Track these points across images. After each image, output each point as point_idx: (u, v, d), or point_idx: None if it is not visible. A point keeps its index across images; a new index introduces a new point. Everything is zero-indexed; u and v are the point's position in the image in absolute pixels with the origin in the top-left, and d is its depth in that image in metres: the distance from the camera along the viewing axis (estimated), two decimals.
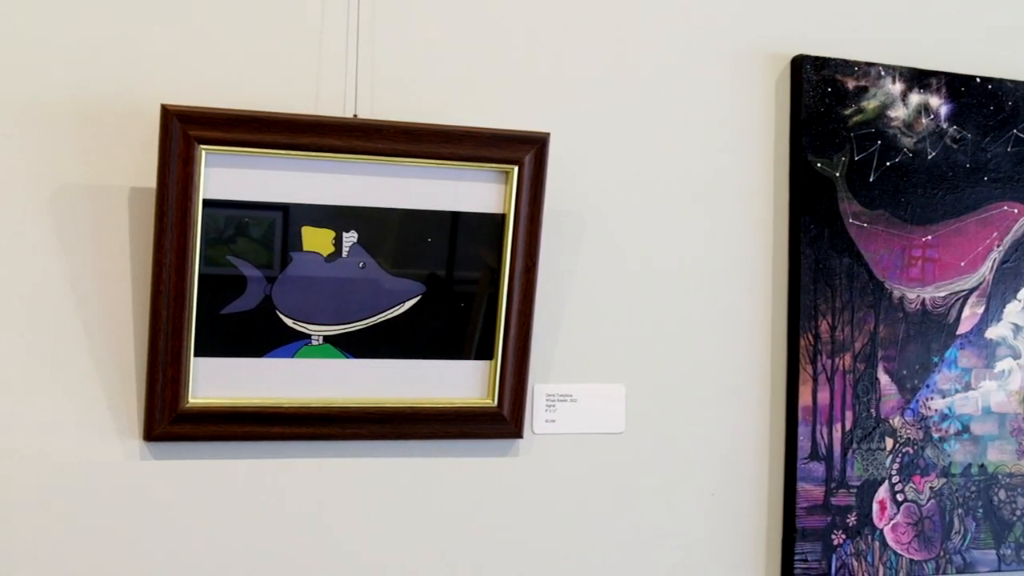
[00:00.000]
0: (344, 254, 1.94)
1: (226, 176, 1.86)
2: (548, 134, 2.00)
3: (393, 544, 2.06)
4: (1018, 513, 2.40)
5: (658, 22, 2.17)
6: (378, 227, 1.95)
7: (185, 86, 1.90)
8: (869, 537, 2.30)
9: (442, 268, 2.00)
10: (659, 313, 2.20)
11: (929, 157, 2.31)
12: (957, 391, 2.36)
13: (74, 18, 1.85)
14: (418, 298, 1.99)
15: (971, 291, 2.36)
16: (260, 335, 1.92)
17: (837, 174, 2.25)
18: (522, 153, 1.98)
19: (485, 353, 2.04)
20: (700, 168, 2.21)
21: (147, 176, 1.86)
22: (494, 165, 1.98)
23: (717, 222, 2.22)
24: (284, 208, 1.90)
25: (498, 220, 2.01)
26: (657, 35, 2.17)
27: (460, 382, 2.03)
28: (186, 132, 1.81)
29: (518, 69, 2.08)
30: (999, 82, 2.36)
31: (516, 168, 1.98)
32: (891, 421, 2.32)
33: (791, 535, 2.26)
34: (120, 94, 1.87)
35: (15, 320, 1.84)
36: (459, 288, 2.01)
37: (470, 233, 2.00)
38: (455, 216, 1.99)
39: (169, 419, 1.88)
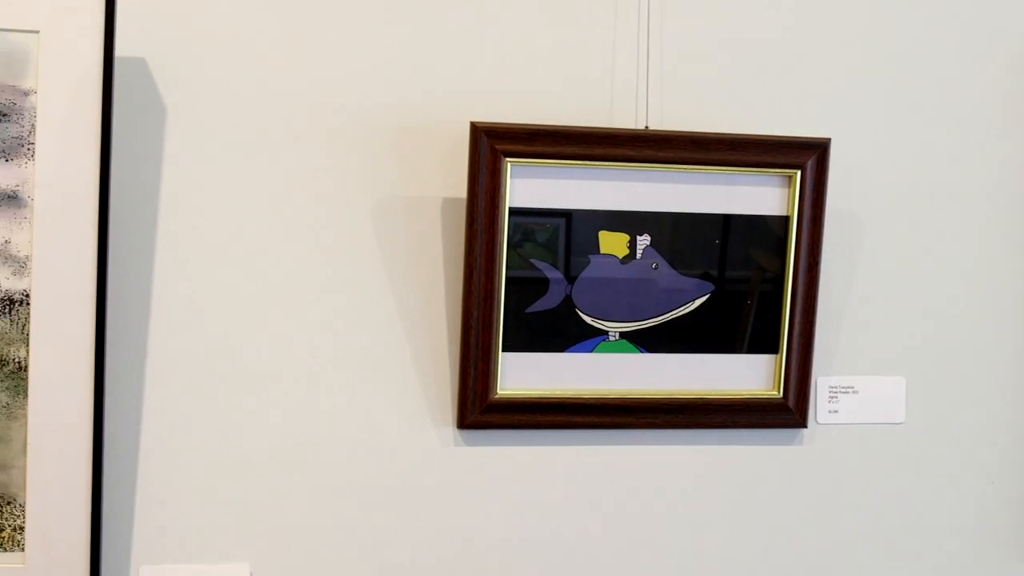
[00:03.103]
0: (638, 256, 1.90)
1: (528, 185, 1.84)
2: (829, 139, 1.92)
3: (686, 527, 2.01)
4: None
5: (935, 25, 2.04)
6: (668, 230, 1.91)
7: (489, 103, 1.88)
8: None
9: (728, 268, 1.94)
10: (937, 307, 2.08)
11: None
12: None
13: (391, 46, 1.85)
14: (707, 296, 1.93)
15: None
16: (561, 332, 1.90)
17: None
18: (804, 158, 1.91)
19: (766, 347, 1.96)
20: (976, 167, 2.07)
21: (457, 187, 1.86)
22: (777, 170, 1.91)
23: (993, 219, 2.09)
24: (580, 214, 1.87)
25: (781, 222, 1.93)
26: (934, 38, 2.04)
27: (745, 375, 1.97)
28: (493, 146, 1.80)
29: (797, 76, 1.99)
30: None
31: (799, 172, 1.91)
32: None
33: None
34: (432, 113, 1.87)
35: (343, 320, 1.86)
36: (743, 287, 1.95)
37: (754, 234, 1.93)
38: (740, 219, 1.93)
39: (480, 409, 1.87)
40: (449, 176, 1.87)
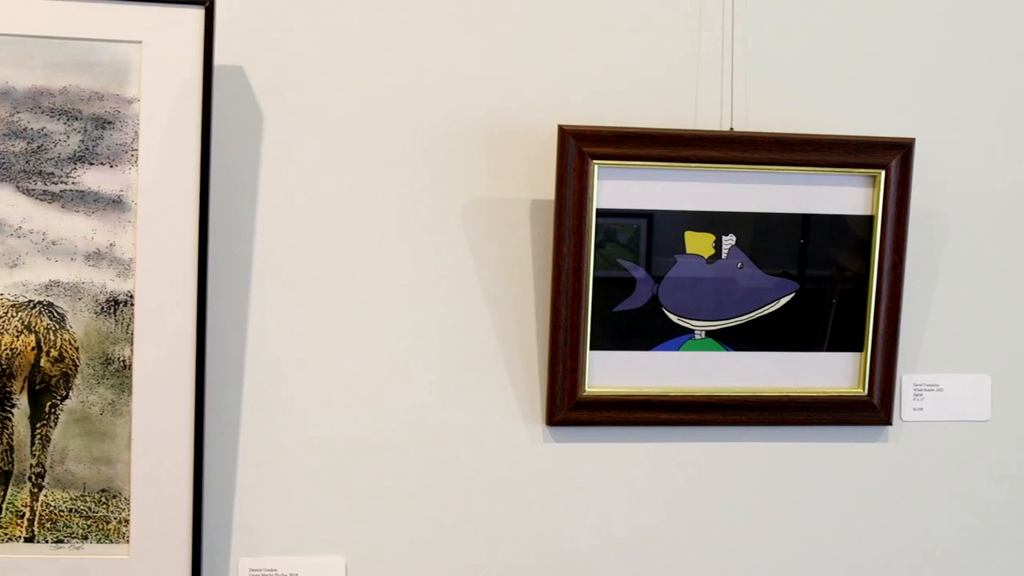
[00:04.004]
0: (723, 256, 1.88)
1: (615, 187, 1.83)
2: (913, 140, 1.89)
3: (771, 523, 1.99)
4: None
5: (1019, 23, 2.00)
6: (754, 230, 1.89)
7: (576, 106, 1.87)
8: None
9: (811, 267, 1.91)
10: (1022, 305, 2.04)
11: None
12: None
13: (479, 52, 1.85)
14: (792, 295, 1.90)
15: None
16: (648, 330, 1.88)
17: None
18: (889, 158, 1.88)
19: (850, 345, 1.94)
20: None
21: (545, 189, 1.85)
22: (862, 170, 1.88)
23: None
24: (665, 214, 1.86)
25: (865, 221, 1.91)
26: (1019, 36, 2.00)
27: (829, 372, 1.94)
28: (580, 149, 1.79)
29: (880, 76, 1.96)
30: None
31: (883, 172, 1.88)
32: None
33: None
34: (520, 116, 1.86)
35: (435, 320, 1.86)
36: (824, 285, 1.92)
37: (836, 233, 1.91)
38: (823, 218, 1.90)
39: (568, 406, 1.86)
40: (537, 178, 1.86)
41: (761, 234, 1.89)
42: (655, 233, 1.87)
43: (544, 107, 1.86)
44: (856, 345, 1.94)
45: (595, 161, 1.80)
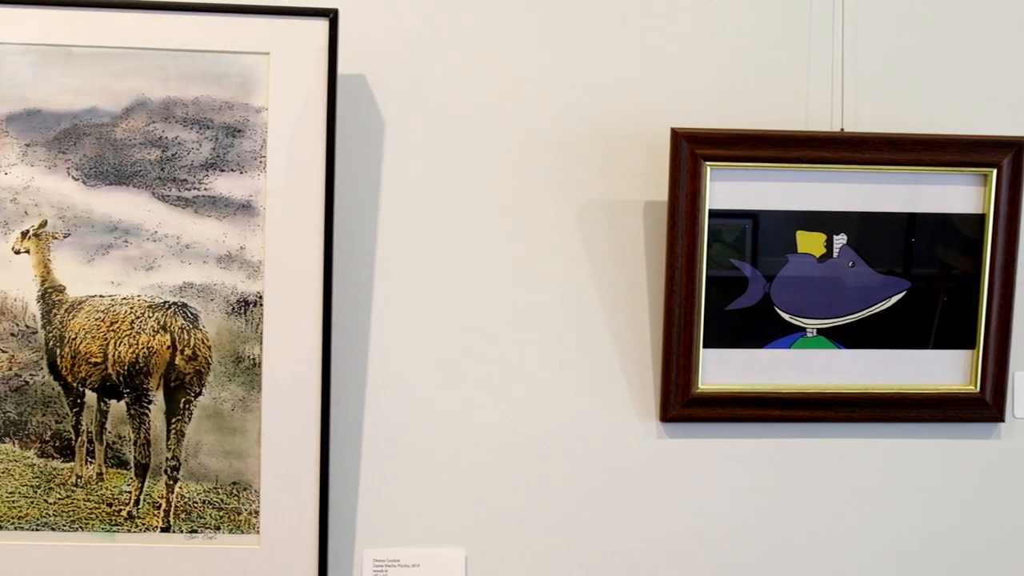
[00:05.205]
0: (835, 255, 1.87)
1: (727, 188, 1.83)
2: None
3: (884, 519, 1.97)
4: None
5: None
6: (864, 229, 1.87)
7: (688, 108, 1.87)
8: None
9: (920, 265, 1.89)
10: None
11: None
12: None
13: (593, 58, 1.86)
14: (903, 293, 1.88)
15: None
16: (760, 329, 1.88)
17: None
18: (1000, 157, 1.85)
19: (961, 343, 1.91)
20: None
21: (658, 190, 1.85)
22: (973, 169, 1.86)
23: None
24: (774, 214, 1.85)
25: (975, 220, 1.88)
26: None
27: (941, 370, 1.92)
28: (693, 151, 1.79)
29: (992, 75, 1.93)
30: None
31: (994, 171, 1.85)
32: None
33: None
34: (633, 119, 1.87)
35: (552, 318, 1.88)
36: (932, 283, 1.90)
37: (946, 232, 1.88)
38: (933, 217, 1.88)
39: (682, 403, 1.86)
40: (650, 180, 1.86)
41: (871, 233, 1.88)
42: (763, 233, 1.86)
43: (657, 110, 1.87)
44: (967, 343, 1.91)
45: (707, 163, 1.80)
